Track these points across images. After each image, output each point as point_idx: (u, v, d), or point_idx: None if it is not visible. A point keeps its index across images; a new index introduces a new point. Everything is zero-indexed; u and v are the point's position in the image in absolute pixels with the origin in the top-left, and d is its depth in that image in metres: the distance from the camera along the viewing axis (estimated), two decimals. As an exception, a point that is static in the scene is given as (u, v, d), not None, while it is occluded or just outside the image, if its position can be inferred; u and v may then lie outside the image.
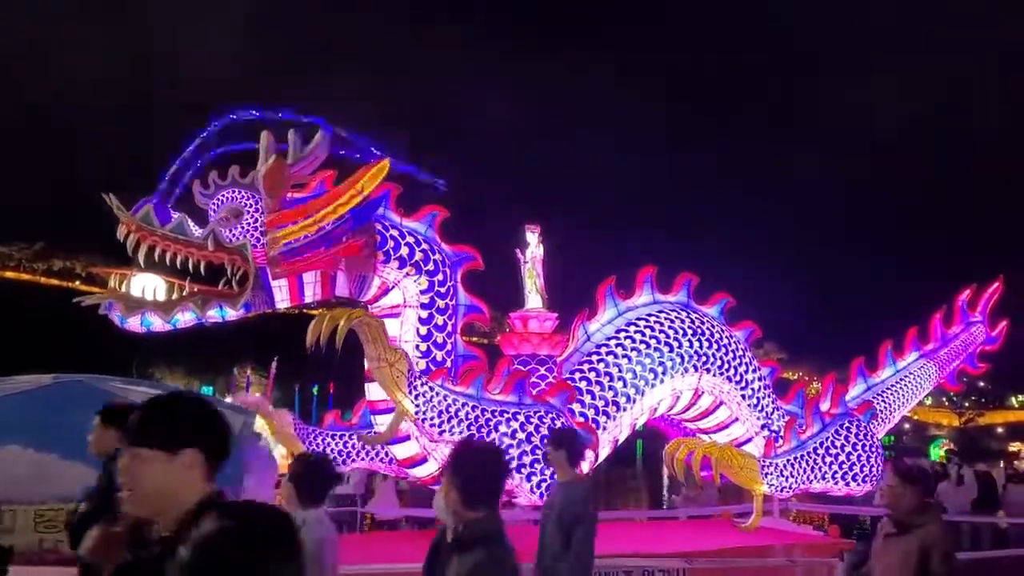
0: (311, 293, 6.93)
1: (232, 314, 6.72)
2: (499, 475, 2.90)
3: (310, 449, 8.11)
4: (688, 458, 8.31)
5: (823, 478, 8.99)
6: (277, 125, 6.94)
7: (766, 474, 8.68)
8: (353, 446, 8.14)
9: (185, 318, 6.61)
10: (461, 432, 6.88)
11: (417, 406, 6.76)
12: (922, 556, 4.18)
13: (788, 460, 8.92)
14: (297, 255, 6.66)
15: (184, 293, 6.66)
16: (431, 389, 6.85)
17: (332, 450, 8.12)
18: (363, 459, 8.24)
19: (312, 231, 6.65)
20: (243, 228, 6.62)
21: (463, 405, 6.97)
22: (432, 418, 6.79)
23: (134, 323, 6.55)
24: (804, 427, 9.26)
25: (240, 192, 6.71)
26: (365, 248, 6.95)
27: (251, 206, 6.67)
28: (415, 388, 6.76)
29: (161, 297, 6.77)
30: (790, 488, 8.86)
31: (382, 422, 7.30)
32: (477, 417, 6.99)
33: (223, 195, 6.72)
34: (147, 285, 6.89)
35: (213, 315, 6.68)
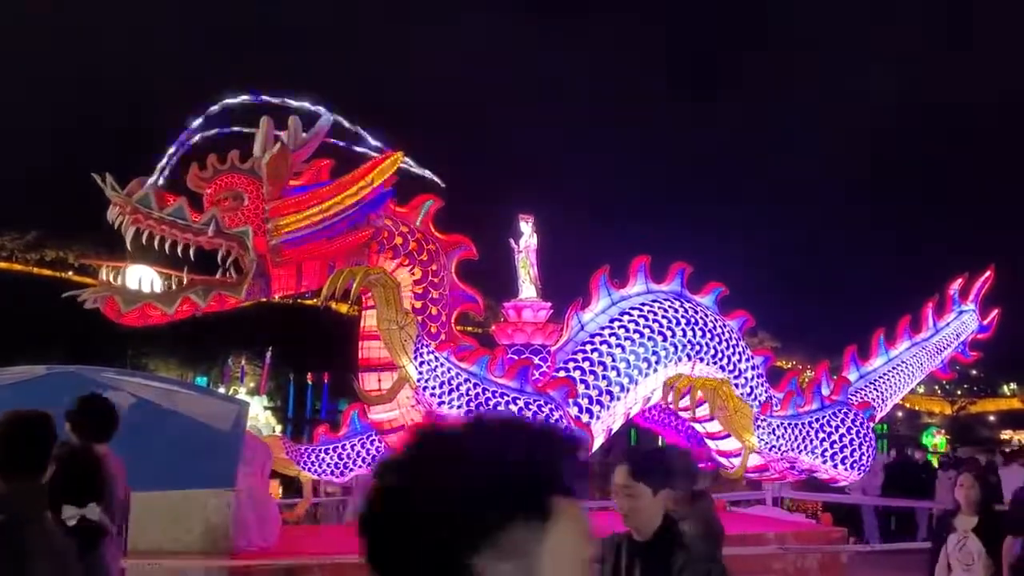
0: (309, 283, 6.89)
1: (232, 302, 6.63)
2: (35, 442, 2.71)
3: (307, 469, 8.14)
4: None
5: (812, 452, 9.07)
6: (277, 110, 6.86)
7: (758, 427, 8.72)
8: (348, 455, 8.15)
9: (184, 308, 6.50)
10: (460, 406, 6.90)
11: (420, 373, 6.77)
12: None
13: (782, 423, 9.05)
14: (301, 244, 6.60)
15: (184, 283, 6.50)
16: (436, 359, 6.86)
17: (328, 464, 8.15)
18: (360, 467, 8.26)
19: (317, 221, 6.60)
20: (243, 214, 6.50)
21: (465, 380, 6.98)
22: (433, 388, 6.80)
23: (132, 317, 6.41)
24: (803, 403, 9.38)
25: (240, 177, 6.58)
26: (371, 240, 6.93)
27: (252, 192, 6.54)
28: (421, 355, 6.77)
29: (156, 289, 6.61)
30: (779, 449, 8.90)
31: (377, 410, 7.32)
32: (478, 395, 7.00)
33: (222, 180, 6.58)
34: (143, 277, 6.73)
35: (213, 304, 6.57)
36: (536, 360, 8.04)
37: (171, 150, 6.85)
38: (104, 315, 6.46)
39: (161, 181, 6.76)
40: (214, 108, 6.99)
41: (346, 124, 7.10)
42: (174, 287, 6.50)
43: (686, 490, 3.86)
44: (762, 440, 8.77)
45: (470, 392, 6.98)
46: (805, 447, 9.06)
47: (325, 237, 6.65)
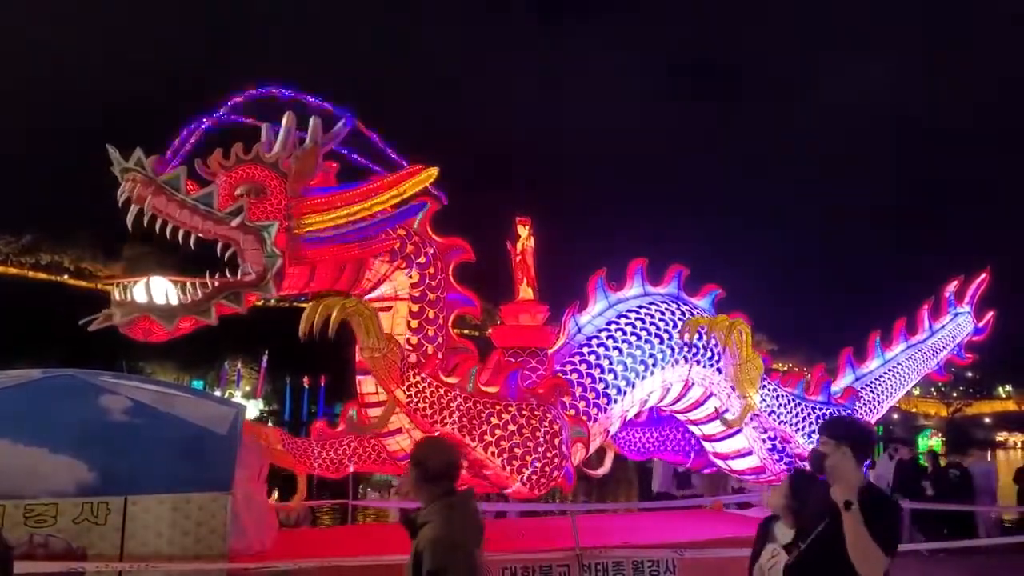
0: (317, 285, 6.84)
1: (252, 300, 6.46)
2: None
3: (305, 465, 8.09)
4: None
5: (808, 436, 9.14)
6: (298, 108, 6.78)
7: (763, 387, 8.75)
8: (345, 452, 8.12)
9: (216, 315, 6.22)
10: (454, 422, 6.88)
11: (409, 396, 6.75)
12: (415, 569, 3.35)
13: (787, 394, 9.21)
14: (321, 245, 6.53)
15: (209, 288, 6.18)
16: (423, 379, 6.83)
17: (325, 460, 8.11)
18: (356, 464, 8.23)
19: (343, 223, 6.55)
20: (265, 209, 6.35)
21: (455, 396, 6.96)
22: (424, 408, 6.79)
23: (164, 334, 6.14)
24: (810, 391, 9.55)
25: (263, 171, 6.45)
26: (395, 249, 6.94)
27: (274, 187, 6.42)
28: (407, 379, 6.75)
29: (173, 299, 6.18)
30: (777, 418, 8.99)
31: (375, 415, 7.31)
32: (470, 408, 6.98)
33: (243, 171, 6.43)
34: (169, 290, 6.21)
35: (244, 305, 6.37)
36: (533, 363, 8.05)
37: (189, 139, 6.71)
38: (130, 336, 6.10)
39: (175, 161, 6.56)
40: (235, 99, 6.90)
41: (365, 131, 7.05)
42: (200, 294, 6.16)
43: (446, 489, 3.57)
44: (764, 402, 8.82)
45: (461, 407, 6.95)
46: (802, 428, 9.21)
47: (347, 241, 6.60)
